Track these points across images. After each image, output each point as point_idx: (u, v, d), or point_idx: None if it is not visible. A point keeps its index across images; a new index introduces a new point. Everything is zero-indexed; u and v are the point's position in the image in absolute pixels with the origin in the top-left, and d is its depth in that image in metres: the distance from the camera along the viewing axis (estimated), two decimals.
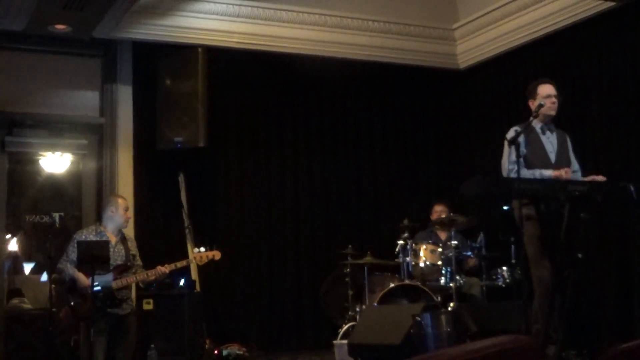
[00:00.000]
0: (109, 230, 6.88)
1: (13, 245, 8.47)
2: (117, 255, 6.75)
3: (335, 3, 9.10)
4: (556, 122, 6.41)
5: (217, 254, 7.14)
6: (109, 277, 6.62)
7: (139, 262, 7.01)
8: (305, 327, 9.10)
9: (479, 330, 6.71)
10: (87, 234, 6.84)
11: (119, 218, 6.91)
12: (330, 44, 9.05)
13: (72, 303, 6.62)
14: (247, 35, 8.71)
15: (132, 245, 7.03)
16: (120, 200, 7.06)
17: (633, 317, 7.13)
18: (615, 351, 2.67)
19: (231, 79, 9.12)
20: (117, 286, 6.63)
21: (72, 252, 6.69)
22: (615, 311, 7.47)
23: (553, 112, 6.20)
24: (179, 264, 6.91)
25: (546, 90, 6.25)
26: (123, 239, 6.94)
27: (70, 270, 6.64)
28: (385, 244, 8.63)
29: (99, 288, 6.49)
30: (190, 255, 7.65)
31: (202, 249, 7.16)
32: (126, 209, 7.02)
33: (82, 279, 6.59)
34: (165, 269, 6.79)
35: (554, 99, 6.19)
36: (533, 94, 6.30)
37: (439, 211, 8.55)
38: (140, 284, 7.11)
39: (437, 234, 8.54)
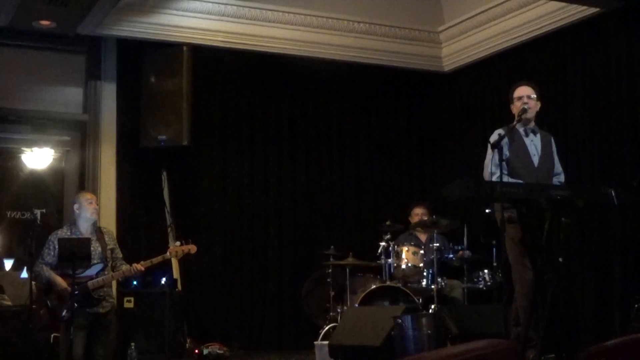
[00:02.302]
0: (82, 229, 6.82)
1: None
2: (93, 254, 6.68)
3: (321, 4, 9.10)
4: (540, 125, 6.43)
5: (192, 248, 7.10)
6: (88, 273, 6.56)
7: (119, 254, 6.93)
8: (286, 327, 9.09)
9: (459, 333, 6.74)
10: (62, 235, 6.78)
11: (84, 212, 6.85)
12: (316, 45, 9.06)
13: (49, 305, 6.58)
14: (233, 35, 8.70)
15: (110, 239, 6.95)
16: (81, 195, 7.00)
17: (612, 321, 7.16)
18: (591, 350, 2.69)
19: (216, 78, 9.11)
20: (92, 286, 6.57)
21: (48, 255, 6.64)
22: (595, 315, 7.51)
23: (526, 114, 6.16)
24: (155, 260, 6.85)
25: (518, 92, 6.29)
26: (99, 235, 6.87)
27: (47, 272, 6.59)
28: (367, 246, 8.63)
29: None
30: (170, 247, 7.61)
31: (178, 243, 7.14)
32: (90, 202, 6.88)
33: (59, 281, 6.54)
34: (140, 266, 6.74)
35: (525, 100, 6.21)
36: (511, 98, 6.34)
37: (420, 214, 8.55)
38: (119, 279, 7.08)
39: (417, 236, 8.55)
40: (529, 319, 5.73)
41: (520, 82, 6.44)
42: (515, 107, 6.24)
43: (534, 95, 6.26)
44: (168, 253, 7.05)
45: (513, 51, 8.77)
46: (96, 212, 6.93)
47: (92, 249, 6.66)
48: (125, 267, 6.80)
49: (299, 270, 9.10)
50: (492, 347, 2.36)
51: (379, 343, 6.01)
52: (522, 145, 6.19)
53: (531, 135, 6.27)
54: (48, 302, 6.58)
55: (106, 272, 6.68)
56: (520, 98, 6.22)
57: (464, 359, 2.26)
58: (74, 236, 6.72)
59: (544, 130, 6.47)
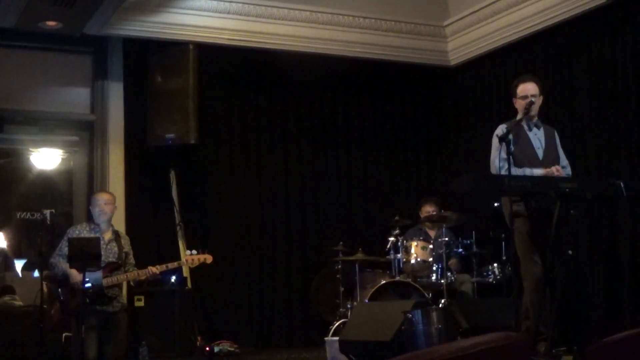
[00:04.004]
0: (102, 227, 6.87)
1: (2, 242, 8.44)
2: (109, 253, 6.72)
3: (326, 0, 9.09)
4: (544, 119, 6.42)
5: (208, 258, 7.09)
6: (99, 274, 6.59)
7: (131, 260, 6.97)
8: (296, 323, 9.11)
9: (469, 327, 6.74)
10: (81, 230, 6.83)
11: (97, 214, 6.89)
12: (321, 41, 9.06)
13: (61, 298, 6.61)
14: (238, 32, 8.70)
15: (126, 243, 7.00)
16: (96, 196, 7.04)
17: (622, 313, 7.16)
18: (602, 343, 2.69)
19: (222, 76, 9.11)
20: (107, 284, 6.61)
21: (65, 247, 6.68)
22: (605, 307, 7.50)
23: (530, 112, 6.15)
24: (171, 265, 6.88)
25: (522, 90, 6.24)
26: (117, 237, 6.92)
27: (63, 265, 6.63)
28: (376, 241, 8.64)
29: (89, 285, 6.46)
30: (182, 258, 7.62)
31: (194, 252, 7.12)
32: (106, 202, 6.87)
33: (74, 274, 6.58)
34: (156, 269, 6.76)
35: (529, 99, 6.17)
36: (514, 93, 6.31)
37: (430, 211, 8.52)
38: (131, 282, 7.09)
39: (426, 231, 8.55)
40: (538, 313, 5.73)
41: (523, 78, 6.39)
42: (519, 104, 6.22)
43: (538, 93, 6.24)
44: (184, 261, 7.07)
45: (519, 44, 8.75)
46: (103, 213, 6.88)
47: (109, 248, 6.72)
48: (140, 270, 6.82)
49: (308, 266, 9.11)
50: (502, 341, 2.35)
51: (389, 338, 6.01)
52: (526, 139, 6.18)
53: (534, 129, 6.26)
54: (61, 295, 6.61)
55: (121, 271, 6.72)
56: (525, 97, 6.19)
57: (474, 353, 2.25)
58: (93, 232, 6.76)
59: (550, 121, 6.46)
